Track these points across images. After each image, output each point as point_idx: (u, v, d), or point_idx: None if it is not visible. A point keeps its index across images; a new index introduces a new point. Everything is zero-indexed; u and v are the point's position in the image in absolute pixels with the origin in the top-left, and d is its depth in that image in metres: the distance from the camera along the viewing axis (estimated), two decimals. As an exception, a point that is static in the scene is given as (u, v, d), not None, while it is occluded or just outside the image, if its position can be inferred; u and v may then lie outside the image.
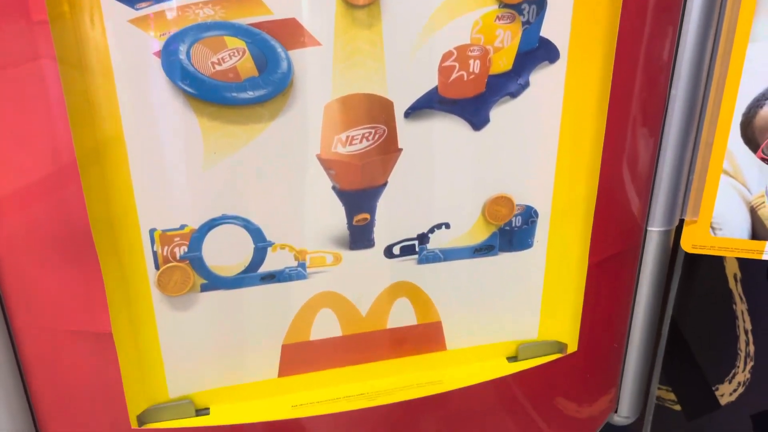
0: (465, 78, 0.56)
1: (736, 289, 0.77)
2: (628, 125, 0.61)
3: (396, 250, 0.61)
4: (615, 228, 0.65)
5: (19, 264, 0.52)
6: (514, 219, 0.63)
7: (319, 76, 0.53)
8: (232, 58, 0.50)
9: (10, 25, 0.45)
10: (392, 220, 0.60)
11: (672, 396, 0.86)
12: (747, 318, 0.77)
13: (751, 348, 0.77)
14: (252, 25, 0.50)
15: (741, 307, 0.77)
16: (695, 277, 0.79)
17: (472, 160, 0.60)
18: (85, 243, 0.51)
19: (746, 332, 0.78)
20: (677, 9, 0.58)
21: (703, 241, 0.69)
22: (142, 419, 0.59)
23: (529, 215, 0.63)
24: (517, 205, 0.62)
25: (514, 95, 0.58)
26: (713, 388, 0.82)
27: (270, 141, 0.54)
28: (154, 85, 0.50)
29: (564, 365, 0.69)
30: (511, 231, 0.63)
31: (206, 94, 0.50)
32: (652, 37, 0.58)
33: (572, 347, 0.68)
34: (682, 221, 0.69)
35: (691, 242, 0.69)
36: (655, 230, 0.66)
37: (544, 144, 0.60)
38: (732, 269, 0.76)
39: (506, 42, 0.56)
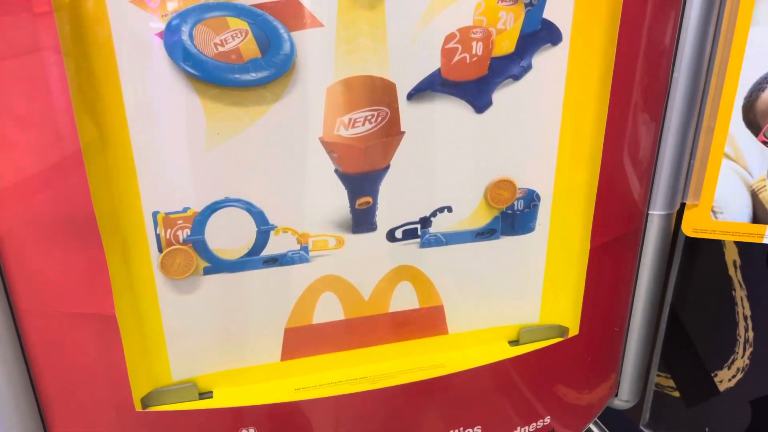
0: (468, 60, 0.56)
1: (736, 275, 0.77)
2: (630, 108, 0.61)
3: (398, 233, 0.61)
4: (616, 212, 0.65)
5: (22, 247, 0.52)
6: (516, 203, 0.63)
7: (322, 58, 0.53)
8: (234, 39, 0.50)
9: (13, 11, 0.45)
10: (395, 203, 0.60)
11: (671, 383, 0.86)
12: (746, 304, 0.77)
13: (751, 334, 0.78)
14: (254, 5, 0.50)
15: (740, 293, 0.77)
16: (694, 263, 0.79)
17: (475, 143, 0.59)
18: (88, 226, 0.51)
19: (745, 318, 0.78)
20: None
21: (704, 225, 0.69)
22: (145, 402, 0.60)
23: (531, 199, 0.63)
24: (519, 188, 0.62)
25: (516, 78, 0.58)
26: (712, 375, 0.82)
27: (272, 123, 0.54)
28: (157, 67, 0.50)
29: (565, 349, 0.69)
30: (513, 215, 0.63)
31: (209, 75, 0.50)
32: (654, 20, 0.58)
33: (574, 331, 0.68)
34: (683, 205, 0.69)
35: (692, 226, 0.69)
36: (656, 214, 0.67)
37: (547, 127, 0.60)
38: (731, 256, 0.76)
39: (509, 24, 0.55)
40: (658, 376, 0.86)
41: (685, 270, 0.79)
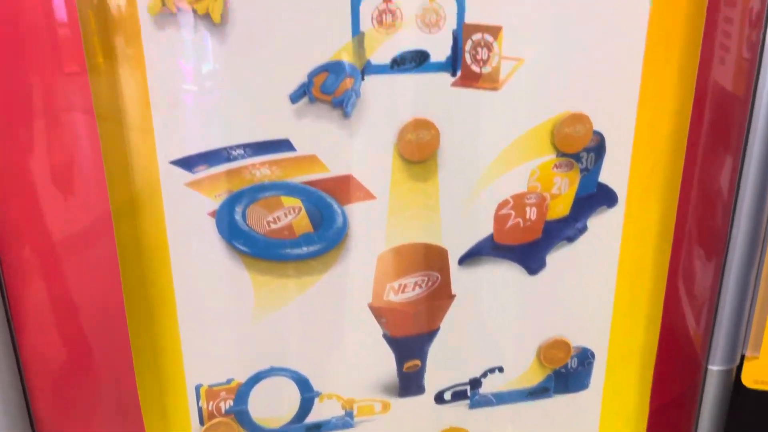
0: (521, 225, 0.54)
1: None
2: (690, 264, 0.58)
3: (447, 395, 0.59)
4: (675, 369, 0.62)
5: (63, 425, 0.50)
6: (570, 361, 0.60)
7: (374, 228, 0.51)
8: (287, 216, 0.49)
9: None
10: (444, 365, 0.57)
11: None
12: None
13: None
14: (308, 183, 0.49)
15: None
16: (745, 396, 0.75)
17: (527, 304, 0.57)
18: (131, 402, 0.49)
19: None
20: (739, 141, 0.57)
21: (766, 377, 0.65)
22: None
23: (586, 357, 0.60)
24: (574, 346, 0.60)
25: (571, 239, 0.56)
26: None
27: (321, 293, 0.52)
28: (207, 243, 0.48)
29: None
30: (567, 373, 0.60)
31: (260, 252, 0.49)
32: (712, 175, 0.57)
33: (631, 493, 0.64)
34: (743, 356, 0.66)
35: (752, 377, 0.66)
36: (715, 369, 0.63)
37: (602, 287, 0.58)
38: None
39: (564, 189, 0.54)
40: None
41: (735, 404, 0.75)
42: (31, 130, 0.44)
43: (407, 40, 0.47)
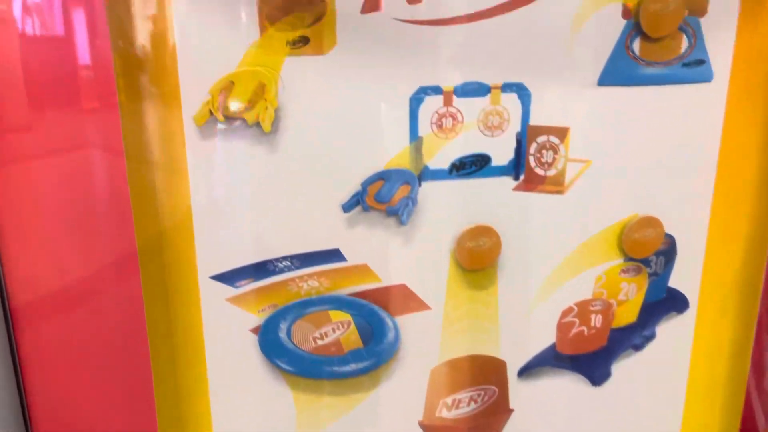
0: (585, 333, 0.50)
1: None
2: (764, 373, 0.54)
3: None
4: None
5: None
6: (636, 476, 0.55)
7: (427, 340, 0.47)
8: (335, 331, 0.45)
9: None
10: (499, 485, 0.53)
11: None
12: None
13: None
14: (358, 294, 0.45)
15: None
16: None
17: (591, 417, 0.52)
18: None
19: None
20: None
21: None
22: None
23: (653, 472, 0.55)
24: (640, 461, 0.55)
25: (638, 348, 0.51)
26: None
27: (369, 411, 0.47)
28: (248, 360, 0.44)
29: None
30: (633, 491, 0.55)
31: (304, 370, 0.45)
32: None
33: None
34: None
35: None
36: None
37: (671, 397, 0.53)
38: None
39: (631, 295, 0.50)
40: None
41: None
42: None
43: (467, 143, 0.43)
